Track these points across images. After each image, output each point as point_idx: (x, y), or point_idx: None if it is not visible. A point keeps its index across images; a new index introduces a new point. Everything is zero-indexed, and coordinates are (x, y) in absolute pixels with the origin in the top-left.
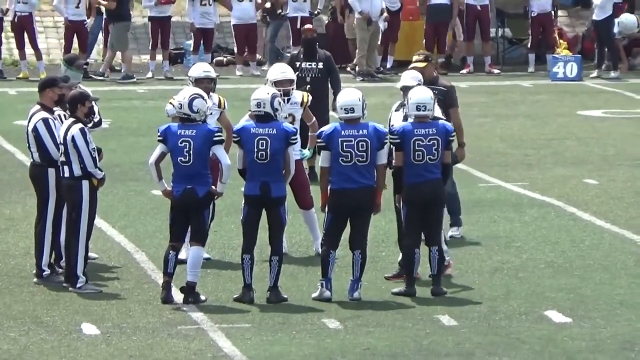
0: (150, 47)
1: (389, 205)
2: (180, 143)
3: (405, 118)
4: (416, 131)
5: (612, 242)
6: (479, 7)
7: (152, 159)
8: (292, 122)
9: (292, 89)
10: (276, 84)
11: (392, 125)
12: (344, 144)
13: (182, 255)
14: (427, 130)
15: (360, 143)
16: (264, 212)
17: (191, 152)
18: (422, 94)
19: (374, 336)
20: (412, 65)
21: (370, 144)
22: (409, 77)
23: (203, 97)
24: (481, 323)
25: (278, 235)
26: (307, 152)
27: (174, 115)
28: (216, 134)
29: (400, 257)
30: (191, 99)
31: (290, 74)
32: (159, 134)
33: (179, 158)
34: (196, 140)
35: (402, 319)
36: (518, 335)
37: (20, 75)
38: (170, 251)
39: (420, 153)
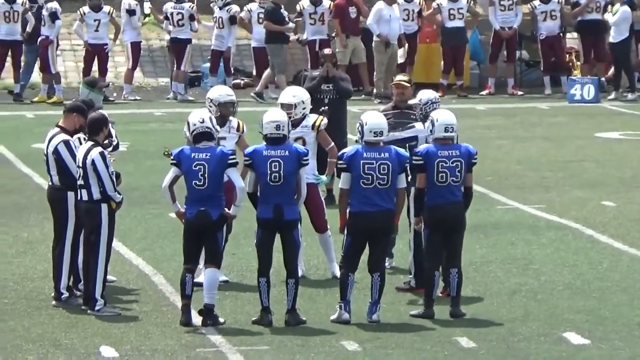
0: (170, 70)
1: (407, 229)
2: (195, 166)
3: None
4: (440, 152)
5: (630, 264)
6: (507, 29)
7: (165, 182)
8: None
9: (298, 114)
10: (282, 106)
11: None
12: (366, 166)
13: (199, 278)
14: (450, 152)
15: (382, 166)
16: (278, 235)
17: (206, 175)
18: (450, 116)
19: (393, 358)
20: (397, 81)
21: (392, 167)
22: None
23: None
24: (500, 345)
25: (293, 257)
26: (324, 178)
27: None
28: (230, 157)
29: (412, 273)
30: (211, 117)
31: (298, 98)
32: (172, 157)
33: (193, 182)
34: (211, 164)
35: (420, 341)
36: (537, 357)
37: (36, 99)
38: (187, 274)
39: (444, 174)
